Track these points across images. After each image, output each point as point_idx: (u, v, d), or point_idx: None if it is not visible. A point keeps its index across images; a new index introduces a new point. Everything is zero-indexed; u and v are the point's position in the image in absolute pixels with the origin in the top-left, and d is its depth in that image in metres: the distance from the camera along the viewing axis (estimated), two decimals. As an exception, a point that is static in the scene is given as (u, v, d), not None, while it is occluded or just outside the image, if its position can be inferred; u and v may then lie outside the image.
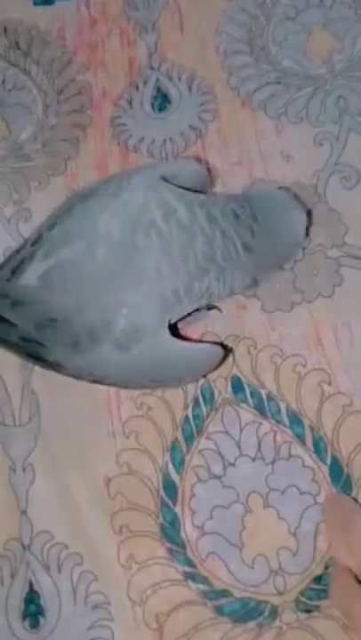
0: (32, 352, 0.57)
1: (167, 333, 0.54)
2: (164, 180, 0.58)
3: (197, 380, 0.64)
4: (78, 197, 0.59)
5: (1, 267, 0.60)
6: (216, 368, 0.61)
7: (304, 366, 0.63)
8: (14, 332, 0.57)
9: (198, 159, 0.72)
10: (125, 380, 0.58)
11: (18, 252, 0.60)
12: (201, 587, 0.59)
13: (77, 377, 0.58)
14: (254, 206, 0.59)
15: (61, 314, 0.53)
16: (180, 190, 0.57)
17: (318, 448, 0.61)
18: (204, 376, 0.63)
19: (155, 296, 0.53)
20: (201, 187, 0.62)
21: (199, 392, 0.64)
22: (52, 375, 0.66)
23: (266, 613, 0.57)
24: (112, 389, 0.65)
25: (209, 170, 0.70)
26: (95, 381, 0.59)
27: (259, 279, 0.63)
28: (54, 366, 0.58)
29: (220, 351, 0.59)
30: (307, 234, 0.65)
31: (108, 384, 0.60)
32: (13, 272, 0.57)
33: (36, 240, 0.57)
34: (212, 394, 0.64)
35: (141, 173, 0.58)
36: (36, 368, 0.67)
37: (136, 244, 0.53)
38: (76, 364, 0.56)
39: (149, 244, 0.53)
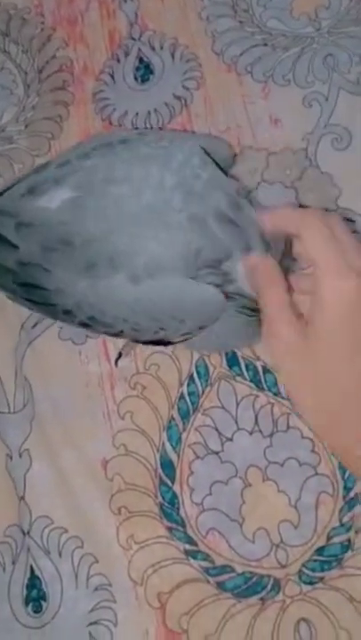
0: (27, 279, 0.58)
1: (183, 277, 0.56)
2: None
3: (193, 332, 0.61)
4: (118, 139, 0.60)
5: (17, 180, 0.61)
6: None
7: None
8: (12, 255, 0.58)
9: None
10: (125, 317, 0.58)
11: (37, 171, 0.60)
12: (202, 563, 0.61)
13: (72, 312, 0.59)
14: None
15: (81, 237, 0.55)
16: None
17: (317, 418, 0.63)
18: (201, 327, 0.64)
19: (182, 243, 0.55)
20: (225, 165, 0.65)
21: (193, 368, 0.67)
22: (44, 361, 0.70)
23: (269, 587, 0.60)
24: (105, 371, 0.68)
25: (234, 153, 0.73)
26: (90, 320, 0.59)
27: None
28: (51, 296, 0.58)
29: (224, 301, 0.60)
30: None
31: (103, 324, 0.59)
32: (31, 190, 0.58)
33: (64, 164, 0.58)
34: (207, 369, 0.67)
35: (185, 138, 0.60)
36: (28, 354, 0.70)
37: (176, 199, 0.55)
38: (80, 291, 0.56)
39: (188, 202, 0.56)
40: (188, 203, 0.54)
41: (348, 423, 0.48)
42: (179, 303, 0.57)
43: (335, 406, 0.48)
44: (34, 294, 0.59)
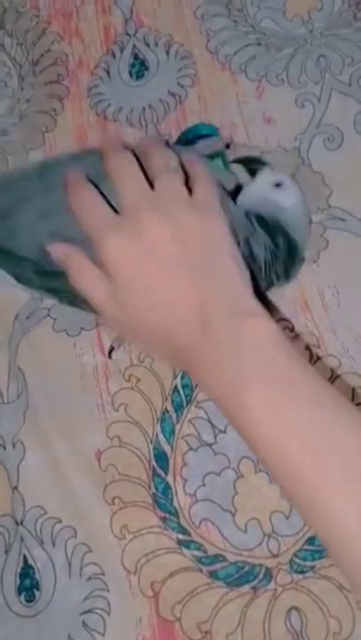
0: None
1: None
2: None
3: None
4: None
5: None
6: None
7: (292, 330, 0.66)
8: None
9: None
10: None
11: None
12: (195, 553, 0.62)
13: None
14: None
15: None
16: None
17: (308, 411, 0.64)
18: None
19: None
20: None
21: (187, 361, 0.67)
22: (39, 352, 0.70)
23: (261, 576, 0.60)
24: (100, 363, 0.68)
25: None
26: None
27: None
28: None
29: None
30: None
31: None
32: None
33: None
34: (201, 362, 0.67)
35: None
36: (22, 345, 0.70)
37: None
38: None
39: None
40: None
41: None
42: None
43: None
44: None
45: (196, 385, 0.66)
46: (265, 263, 0.61)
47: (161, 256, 0.50)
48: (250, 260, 0.59)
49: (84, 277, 0.53)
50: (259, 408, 0.45)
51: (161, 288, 0.50)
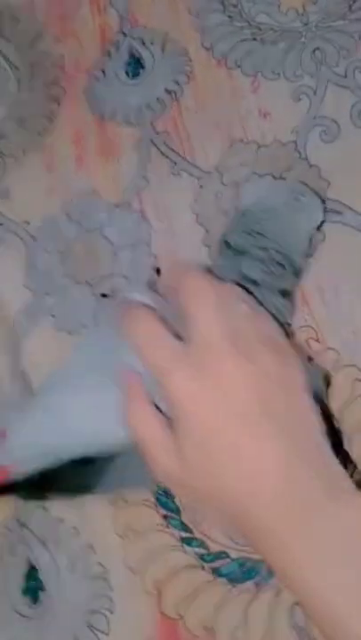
0: None
1: None
2: None
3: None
4: None
5: None
6: None
7: (290, 325, 0.66)
8: None
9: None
10: None
11: None
12: (197, 550, 0.61)
13: None
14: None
15: None
16: None
17: (309, 406, 0.63)
18: None
19: None
20: None
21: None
22: (40, 351, 0.70)
23: (263, 572, 0.60)
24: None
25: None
26: None
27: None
28: None
29: None
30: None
31: None
32: None
33: None
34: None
35: None
36: (23, 344, 0.70)
37: None
38: None
39: None
40: None
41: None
42: None
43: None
44: None
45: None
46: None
47: (240, 402, 0.44)
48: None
49: (141, 418, 0.48)
50: (333, 592, 0.42)
51: (238, 443, 0.44)
